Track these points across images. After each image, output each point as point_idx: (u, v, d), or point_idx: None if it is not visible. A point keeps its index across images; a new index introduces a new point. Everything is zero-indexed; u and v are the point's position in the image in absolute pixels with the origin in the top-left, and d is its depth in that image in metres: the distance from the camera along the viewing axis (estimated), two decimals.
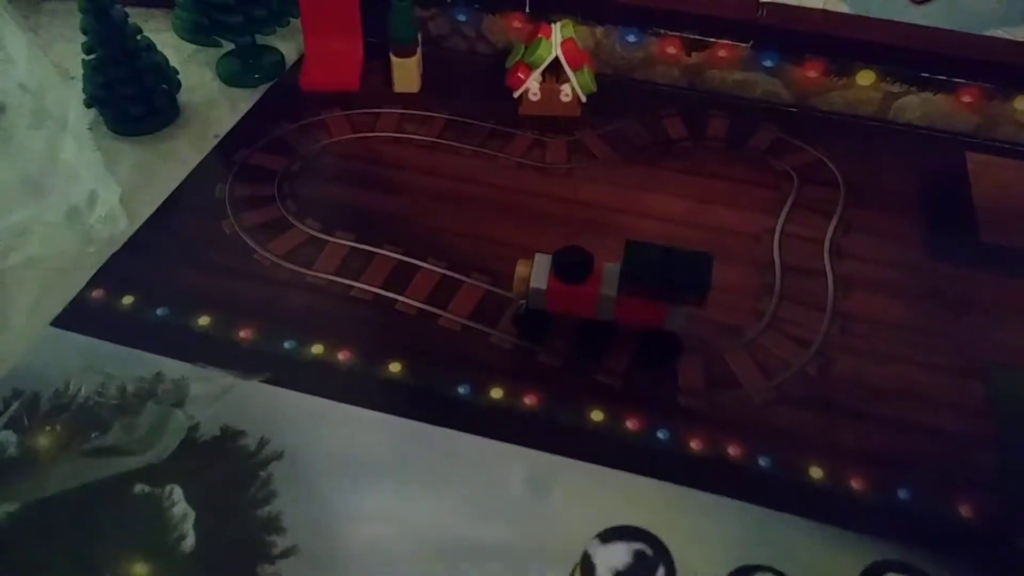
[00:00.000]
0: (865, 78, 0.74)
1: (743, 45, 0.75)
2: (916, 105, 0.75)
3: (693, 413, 0.53)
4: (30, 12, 0.89)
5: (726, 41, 0.75)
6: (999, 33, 0.69)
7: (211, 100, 0.77)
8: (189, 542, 0.45)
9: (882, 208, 0.68)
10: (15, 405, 0.51)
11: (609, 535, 0.46)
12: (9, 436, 0.50)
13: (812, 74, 0.75)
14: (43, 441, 0.49)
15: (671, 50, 0.77)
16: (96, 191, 0.65)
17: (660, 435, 0.51)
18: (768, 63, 0.76)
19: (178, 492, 0.47)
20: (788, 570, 0.45)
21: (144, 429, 0.50)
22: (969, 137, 0.75)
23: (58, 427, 0.50)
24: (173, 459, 0.49)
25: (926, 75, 0.73)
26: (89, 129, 0.72)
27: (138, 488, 0.47)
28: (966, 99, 0.73)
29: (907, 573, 0.45)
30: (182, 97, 0.75)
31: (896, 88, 0.74)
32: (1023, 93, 0.72)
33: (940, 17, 0.69)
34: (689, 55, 0.77)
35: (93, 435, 0.49)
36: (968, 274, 0.63)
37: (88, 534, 0.46)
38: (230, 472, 0.48)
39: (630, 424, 0.52)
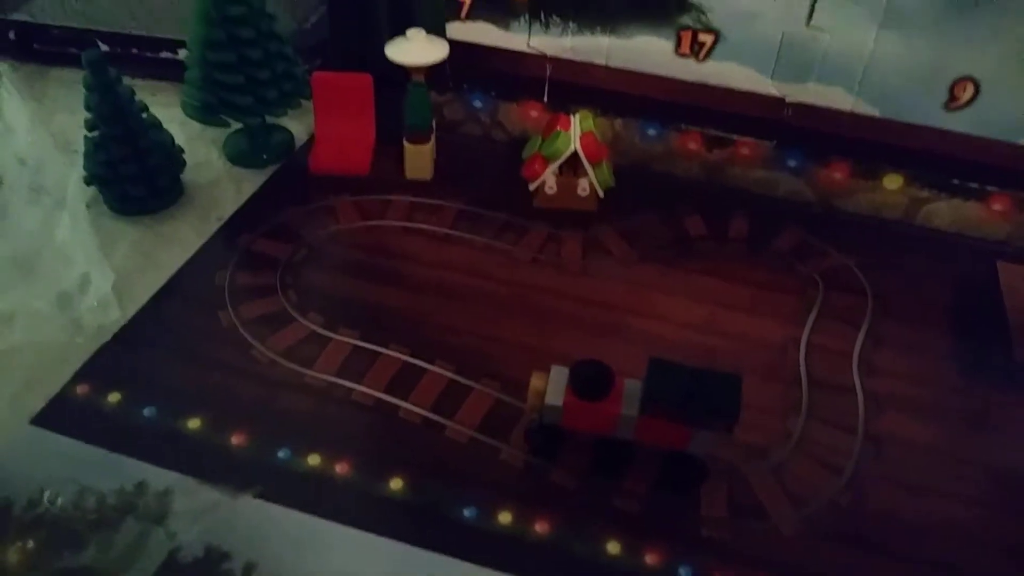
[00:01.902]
0: (892, 182, 0.72)
1: (767, 144, 0.73)
2: (945, 211, 0.72)
3: (718, 547, 0.49)
4: (36, 80, 0.87)
5: (749, 139, 0.73)
6: None
7: (216, 180, 0.74)
8: None
9: (912, 320, 0.65)
10: None
11: None
12: None
13: (837, 175, 0.73)
14: (12, 558, 0.45)
15: (692, 145, 0.75)
16: (89, 275, 0.62)
17: (682, 572, 0.47)
18: (792, 163, 0.73)
19: None
20: None
21: (121, 548, 0.46)
22: (1000, 245, 0.72)
23: (30, 543, 0.46)
24: None
25: (956, 181, 0.71)
26: (87, 207, 0.70)
27: None
28: (997, 207, 0.71)
29: None
30: (186, 176, 0.73)
31: (925, 193, 0.72)
32: None
33: (972, 124, 0.67)
34: (710, 151, 0.75)
35: (66, 553, 0.45)
36: (1004, 395, 0.60)
37: None
38: None
39: (649, 558, 0.48)
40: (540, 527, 0.49)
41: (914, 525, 0.51)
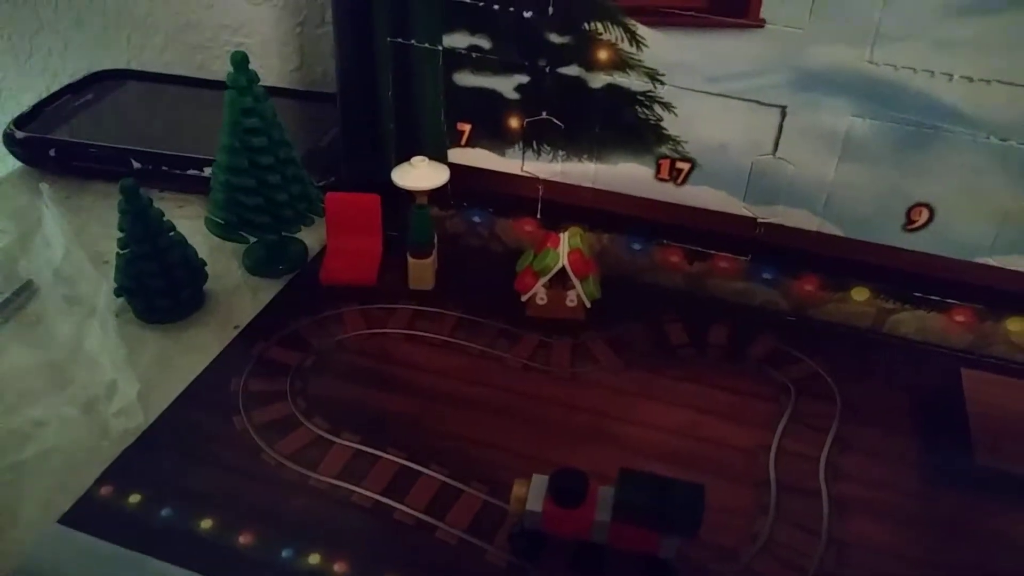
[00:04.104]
0: (860, 294, 0.77)
1: (742, 258, 0.79)
2: (910, 321, 0.77)
3: None
4: (73, 193, 0.95)
5: (726, 254, 0.79)
6: (988, 260, 0.72)
7: (235, 289, 0.81)
8: None
9: (877, 425, 0.70)
10: None
11: None
12: None
13: (809, 288, 0.78)
14: None
15: (674, 259, 0.81)
16: (116, 383, 0.68)
17: None
18: (766, 275, 0.79)
19: None
20: None
21: None
22: (964, 353, 0.77)
23: None
24: None
25: (919, 294, 0.76)
26: (116, 316, 0.76)
27: None
28: (959, 318, 0.76)
29: None
30: (208, 286, 0.79)
31: (890, 305, 0.77)
32: (1014, 315, 0.75)
33: (928, 244, 0.73)
34: (691, 264, 0.81)
35: None
36: (964, 500, 0.64)
37: None
38: None
39: None
40: None
41: None
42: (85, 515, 0.58)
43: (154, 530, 0.57)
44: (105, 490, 0.60)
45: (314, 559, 0.56)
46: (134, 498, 0.60)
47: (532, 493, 0.55)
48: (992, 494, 0.64)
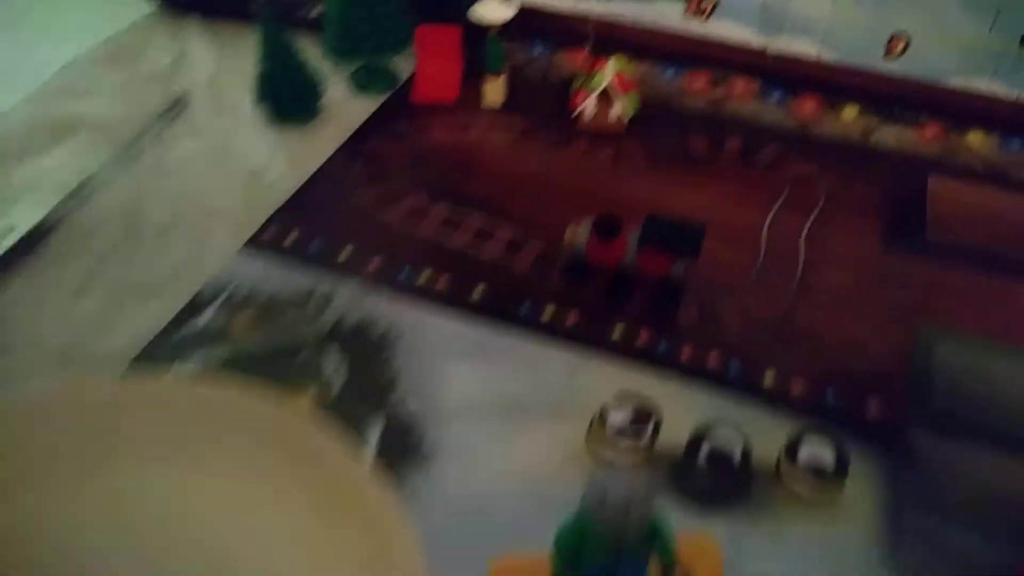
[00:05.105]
0: (850, 113, 0.96)
1: (755, 82, 0.97)
2: (891, 135, 0.95)
3: (687, 333, 0.75)
4: (217, 29, 1.14)
5: (742, 79, 0.97)
6: (956, 82, 0.90)
7: (347, 102, 1.01)
8: (340, 380, 0.68)
9: (853, 212, 0.89)
10: (219, 299, 0.75)
11: (620, 398, 0.67)
12: (217, 319, 0.74)
13: (809, 107, 0.97)
14: (240, 321, 0.73)
15: (699, 84, 0.99)
16: (266, 163, 0.90)
17: (661, 348, 0.73)
18: (774, 97, 0.97)
19: (333, 353, 0.70)
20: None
21: (308, 317, 0.73)
22: (933, 163, 0.95)
23: (249, 313, 0.74)
24: (328, 336, 0.72)
25: (897, 112, 0.94)
26: (258, 120, 0.97)
27: (305, 351, 0.70)
28: (929, 133, 0.94)
29: (821, 434, 0.65)
30: (326, 99, 1.00)
31: (874, 121, 0.95)
32: (975, 129, 0.92)
33: (907, 69, 0.90)
34: (713, 88, 0.99)
35: (274, 318, 0.73)
36: (912, 263, 0.83)
37: (273, 378, 0.69)
38: (365, 345, 0.71)
39: (640, 339, 0.74)
40: (570, 319, 0.75)
41: (828, 332, 0.76)
42: (258, 246, 0.81)
43: (308, 255, 0.80)
44: (270, 231, 0.83)
45: (424, 277, 0.78)
46: (291, 236, 0.82)
47: (580, 230, 0.76)
48: (933, 258, 0.84)
